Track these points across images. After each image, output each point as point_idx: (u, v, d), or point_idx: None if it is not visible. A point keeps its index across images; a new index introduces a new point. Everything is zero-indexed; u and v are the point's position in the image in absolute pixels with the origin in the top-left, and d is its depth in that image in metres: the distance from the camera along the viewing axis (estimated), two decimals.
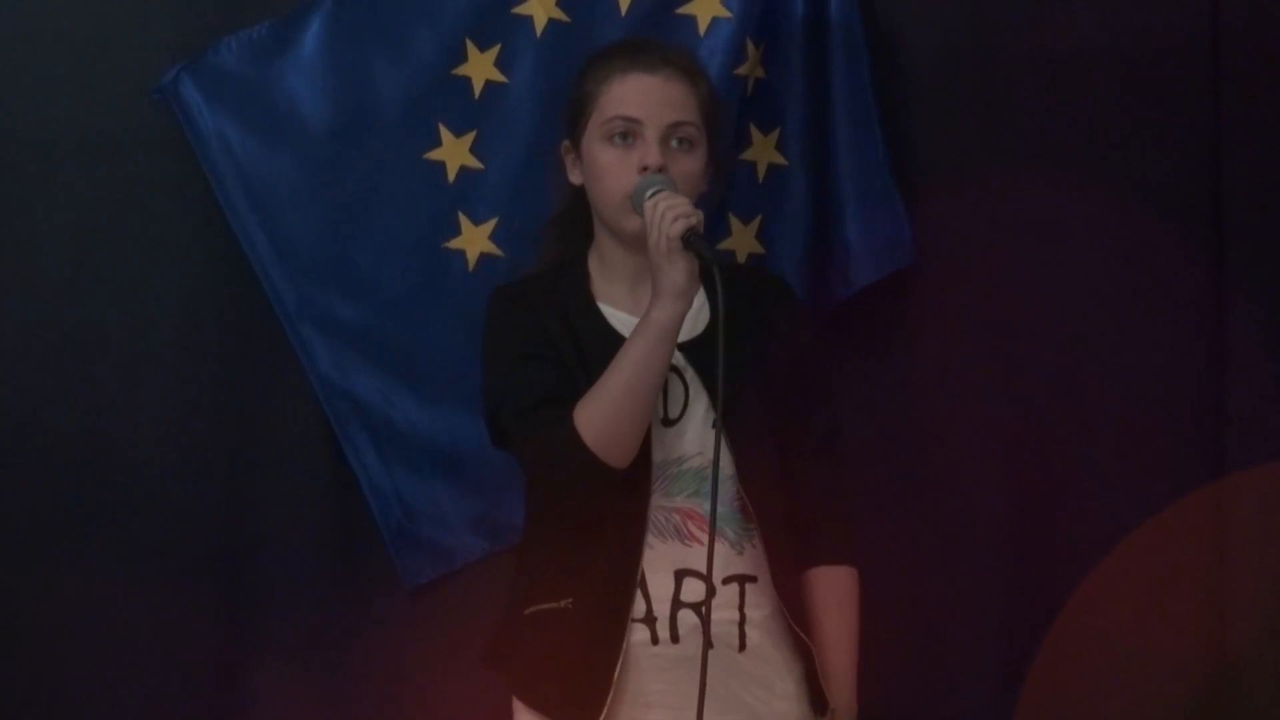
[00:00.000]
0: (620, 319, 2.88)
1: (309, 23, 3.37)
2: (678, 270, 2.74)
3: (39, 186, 3.38)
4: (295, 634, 3.41)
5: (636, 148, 2.85)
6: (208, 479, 3.41)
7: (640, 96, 2.86)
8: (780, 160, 3.43)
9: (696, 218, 2.74)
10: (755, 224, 3.44)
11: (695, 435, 2.84)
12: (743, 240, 3.43)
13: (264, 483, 3.42)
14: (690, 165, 2.87)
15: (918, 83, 3.49)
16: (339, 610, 3.41)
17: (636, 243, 2.83)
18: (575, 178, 2.94)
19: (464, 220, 3.38)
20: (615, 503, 2.81)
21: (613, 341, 2.84)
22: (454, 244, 3.38)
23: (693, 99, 2.88)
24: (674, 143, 2.86)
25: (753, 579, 2.87)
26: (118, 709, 3.40)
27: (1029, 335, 3.51)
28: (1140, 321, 3.52)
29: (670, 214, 2.73)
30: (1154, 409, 3.52)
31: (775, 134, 3.43)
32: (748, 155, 3.43)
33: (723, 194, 3.03)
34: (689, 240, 2.73)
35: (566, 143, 2.96)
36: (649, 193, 2.78)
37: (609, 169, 2.86)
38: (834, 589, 2.95)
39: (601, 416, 2.76)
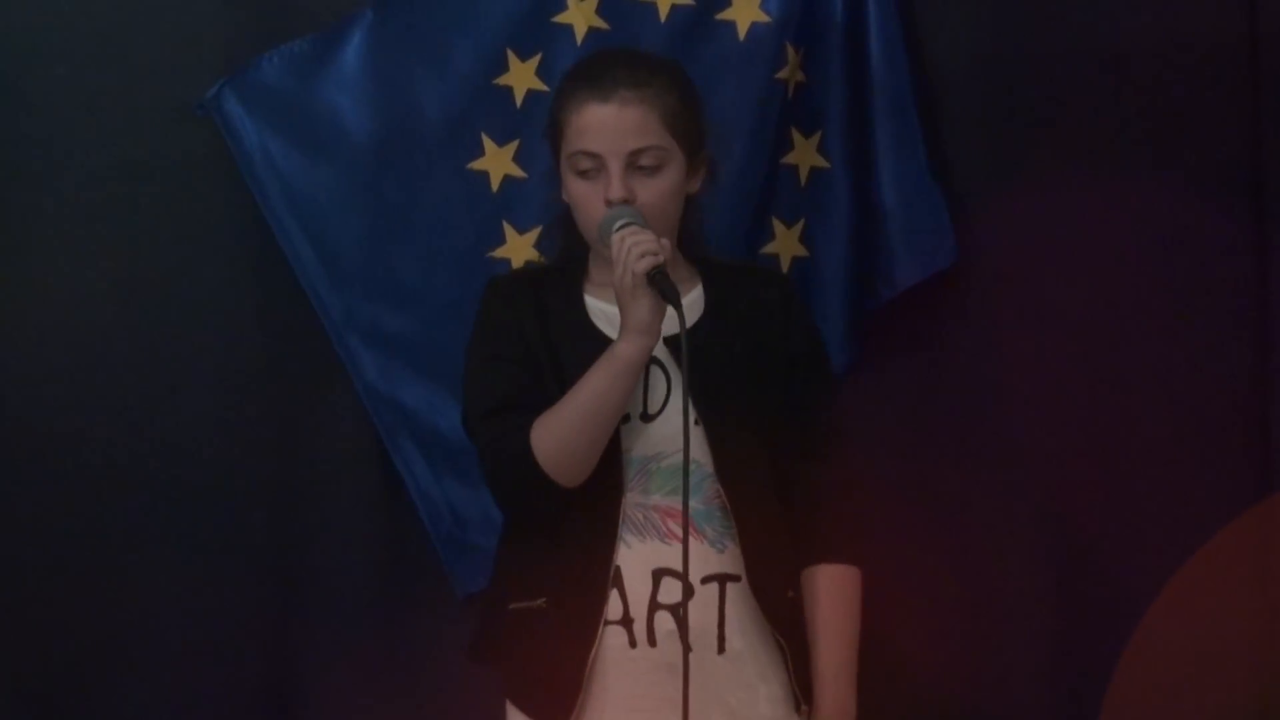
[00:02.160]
0: (607, 312, 2.87)
1: (350, 36, 3.38)
2: (642, 307, 2.74)
3: (85, 202, 3.40)
4: (347, 643, 3.42)
5: (602, 179, 2.84)
6: (257, 490, 3.43)
7: (597, 129, 2.84)
8: (822, 163, 3.44)
9: (664, 254, 2.74)
10: (799, 227, 3.44)
11: (674, 431, 2.80)
12: (786, 243, 3.44)
13: (313, 493, 3.43)
14: (659, 187, 2.85)
15: (957, 82, 3.49)
16: (391, 619, 3.42)
17: None
18: (565, 196, 2.94)
19: (508, 229, 3.39)
20: (588, 500, 2.80)
21: (590, 338, 2.85)
22: (499, 253, 3.40)
23: (653, 117, 2.84)
24: (639, 167, 2.85)
25: (735, 578, 2.85)
26: (169, 714, 3.41)
27: (1070, 334, 3.51)
28: (1181, 321, 3.52)
29: (635, 250, 2.73)
30: (1196, 409, 3.52)
31: (816, 137, 3.43)
32: (790, 159, 3.43)
33: (715, 188, 3.01)
34: (652, 277, 2.73)
35: (554, 161, 2.96)
36: (615, 227, 2.78)
37: (579, 202, 2.88)
38: (833, 589, 2.90)
39: (556, 438, 2.76)
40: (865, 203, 3.44)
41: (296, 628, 3.43)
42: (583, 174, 2.85)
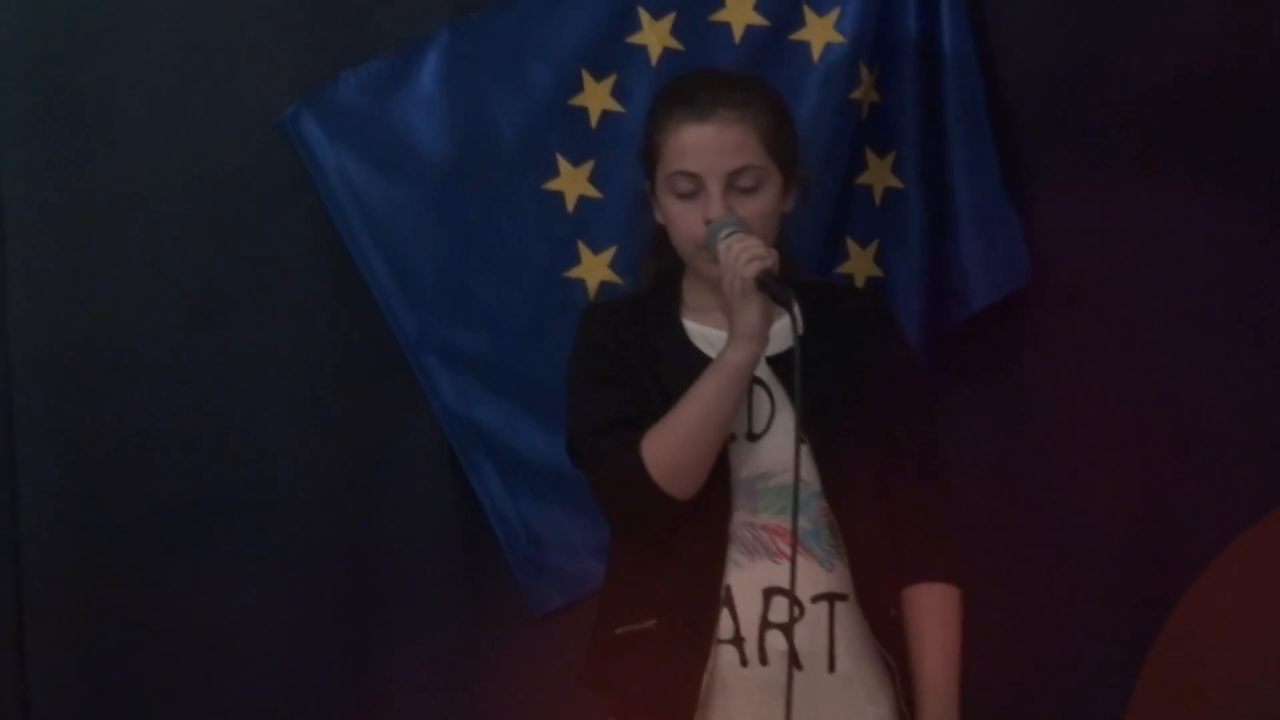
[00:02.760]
0: (707, 335, 2.89)
1: (426, 57, 3.40)
2: (751, 312, 2.74)
3: (165, 221, 3.42)
4: (423, 662, 3.43)
5: (701, 200, 2.85)
6: (334, 509, 3.45)
7: (696, 149, 2.85)
8: (896, 183, 3.44)
9: (770, 259, 2.75)
10: (873, 248, 3.45)
11: (780, 450, 2.82)
12: (861, 264, 3.44)
13: (390, 512, 3.45)
14: (758, 206, 2.86)
15: (1032, 102, 3.48)
16: (467, 638, 3.43)
17: (719, 285, 2.82)
18: (658, 217, 2.95)
19: (584, 249, 3.41)
20: (697, 520, 2.81)
21: (693, 359, 2.85)
22: (574, 273, 3.41)
23: (751, 137, 2.86)
24: (739, 186, 2.86)
25: (843, 597, 2.85)
26: None
27: (1145, 352, 3.50)
28: (1258, 337, 3.50)
29: (744, 256, 2.74)
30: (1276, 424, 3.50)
31: (890, 157, 3.44)
32: (864, 179, 3.44)
33: (806, 208, 3.02)
34: (763, 281, 2.73)
35: (647, 183, 2.96)
36: (722, 235, 2.79)
37: (677, 222, 2.88)
38: (934, 607, 2.91)
39: (668, 451, 2.77)
40: (940, 223, 3.44)
41: (373, 646, 3.44)
42: (681, 195, 2.86)
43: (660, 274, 2.99)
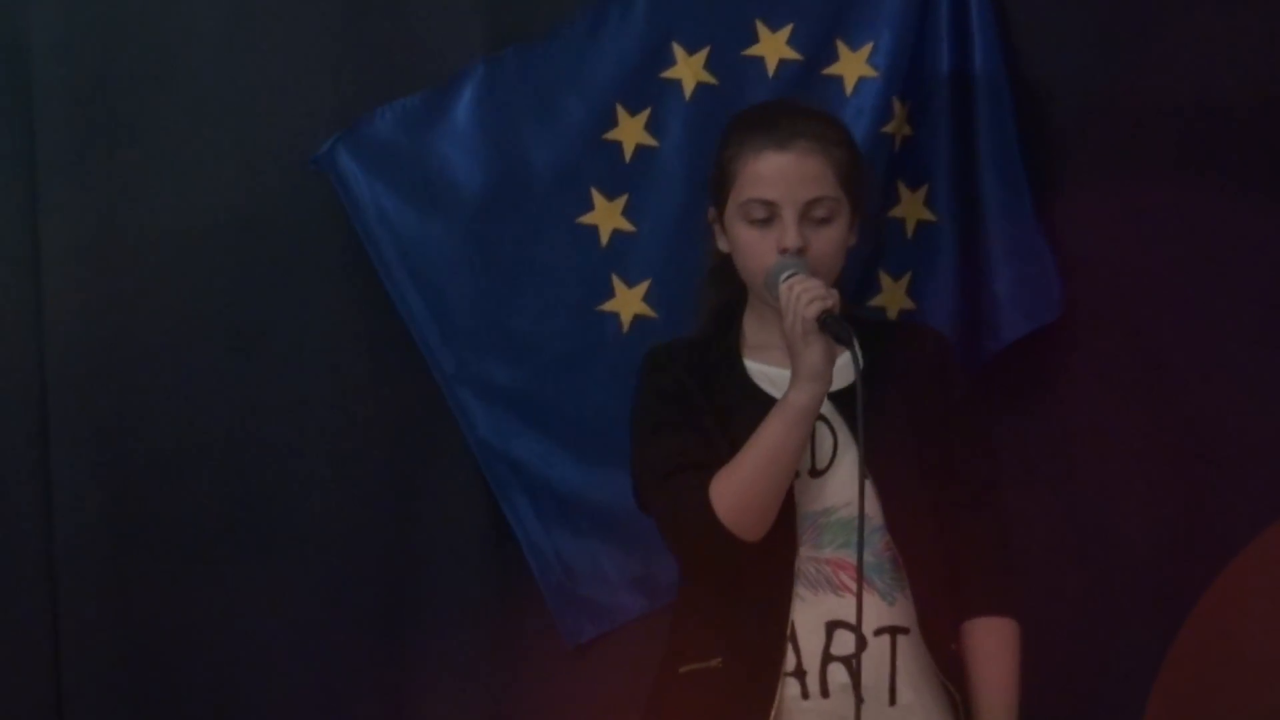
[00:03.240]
0: (769, 375, 2.90)
1: (461, 91, 3.42)
2: (814, 353, 2.75)
3: (202, 254, 3.45)
4: (458, 692, 3.45)
5: (775, 228, 2.86)
6: (368, 541, 3.47)
7: (775, 177, 2.86)
8: (929, 216, 3.45)
9: (831, 300, 2.75)
10: (905, 280, 3.45)
11: (844, 485, 2.84)
12: (893, 296, 3.45)
13: (424, 544, 3.47)
14: (831, 236, 2.88)
15: (1064, 134, 3.48)
16: (501, 669, 3.46)
17: (780, 318, 2.83)
18: (723, 245, 2.96)
19: (617, 282, 3.42)
20: (763, 557, 2.82)
21: (756, 401, 2.86)
22: (608, 306, 3.43)
23: (829, 169, 2.87)
24: (813, 217, 2.87)
25: (905, 630, 2.87)
26: None
27: (1180, 385, 3.49)
28: None
29: (805, 297, 2.75)
30: None
31: (923, 190, 3.44)
32: (896, 212, 3.44)
33: (875, 246, 3.03)
34: (824, 322, 2.74)
35: (713, 211, 2.98)
36: (783, 277, 2.80)
37: (749, 249, 2.89)
38: (992, 641, 2.93)
39: (735, 493, 2.78)
40: (972, 255, 3.44)
41: (408, 676, 3.47)
42: (754, 222, 2.87)
43: (719, 309, 3.01)
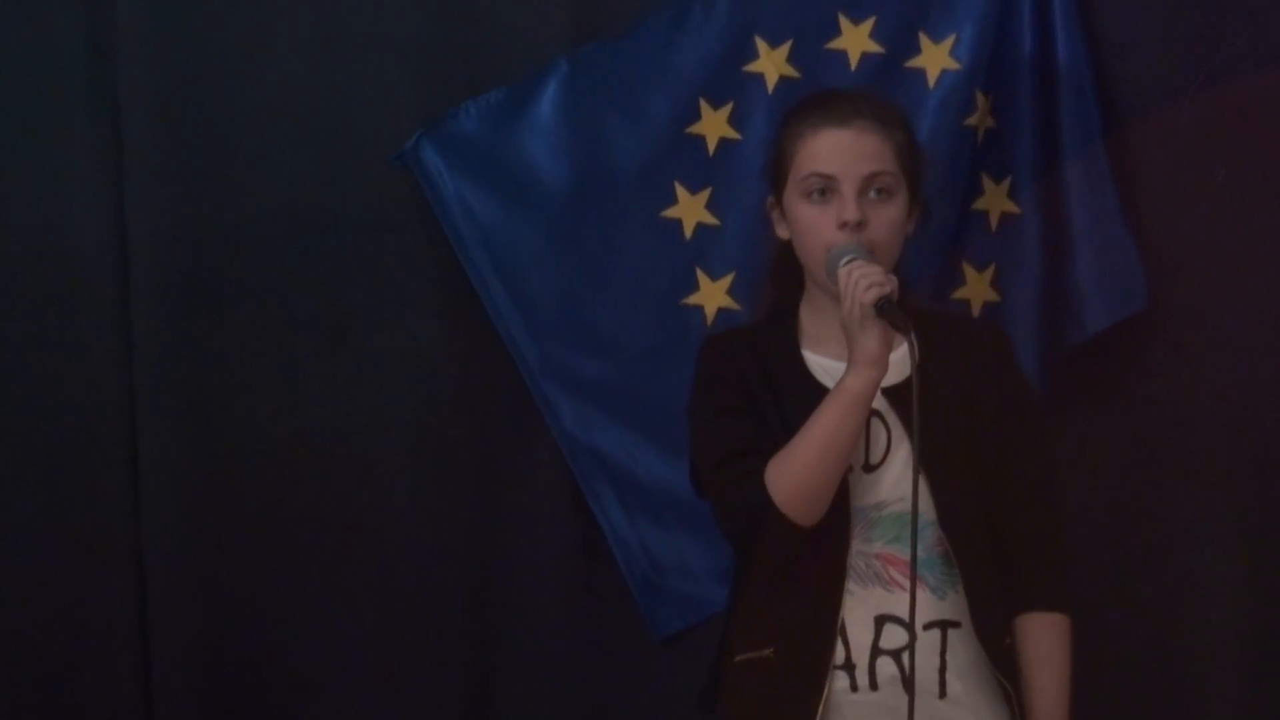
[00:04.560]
0: (825, 366, 2.89)
1: (545, 86, 3.44)
2: (871, 338, 2.75)
3: (289, 251, 3.48)
4: (544, 686, 3.48)
5: (834, 203, 2.85)
6: (456, 533, 3.49)
7: (834, 152, 2.87)
8: (1013, 208, 3.45)
9: (890, 286, 2.75)
10: (989, 272, 3.46)
11: (896, 480, 2.84)
12: (977, 289, 3.45)
13: (510, 537, 3.49)
14: (890, 214, 2.87)
15: (1148, 125, 3.47)
16: (588, 662, 3.47)
17: (837, 308, 2.83)
18: (782, 232, 2.95)
19: (701, 276, 3.43)
20: (815, 550, 2.82)
21: (813, 391, 2.85)
22: (692, 300, 3.44)
23: (888, 147, 2.88)
24: (872, 193, 2.86)
25: (955, 624, 2.86)
26: None
27: (1265, 376, 3.49)
28: None
29: (864, 282, 2.74)
30: None
31: (1006, 182, 3.45)
32: (980, 204, 3.45)
33: (925, 233, 3.04)
34: (881, 308, 2.74)
35: (771, 199, 2.97)
36: (842, 261, 2.80)
37: (810, 226, 2.88)
38: (1044, 636, 2.90)
39: (791, 477, 2.78)
40: (1056, 247, 3.44)
41: (494, 669, 3.49)
42: (812, 197, 2.87)
43: (777, 302, 3.01)
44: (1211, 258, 3.49)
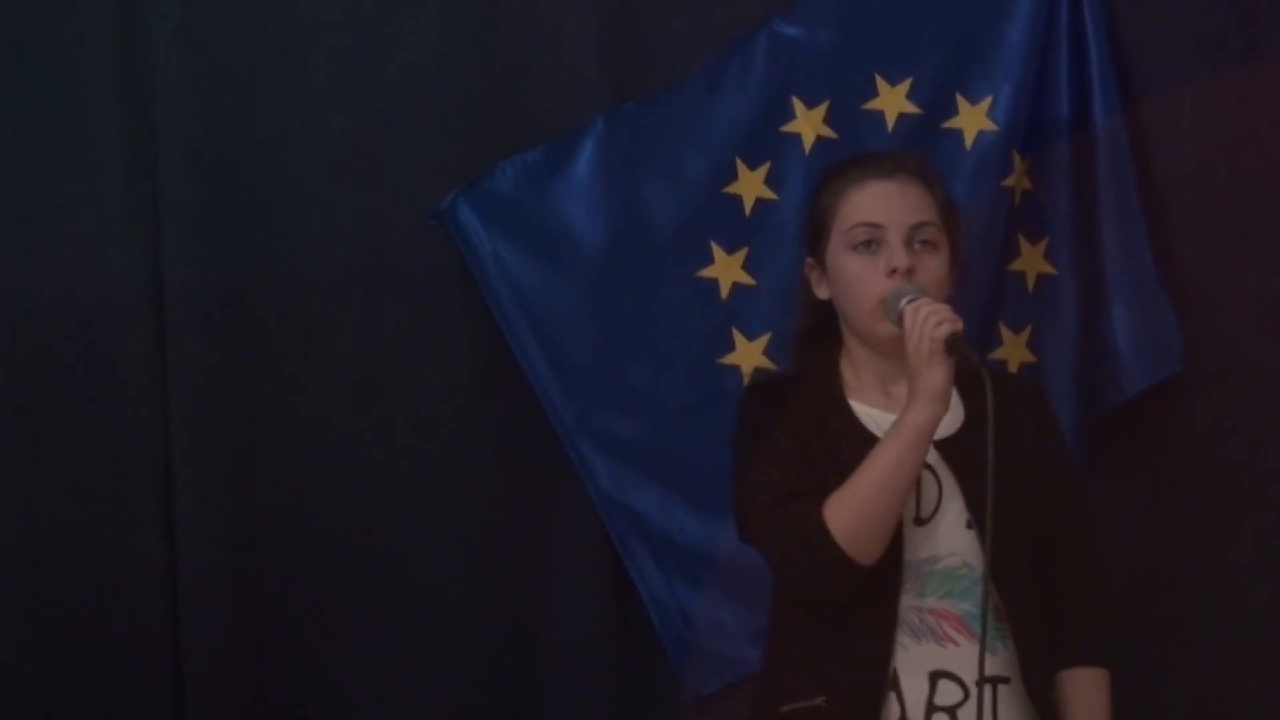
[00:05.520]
0: (873, 416, 2.89)
1: (581, 146, 3.44)
2: (938, 373, 2.75)
3: (328, 308, 3.48)
4: None
5: (882, 253, 2.86)
6: (491, 593, 3.48)
7: (880, 202, 2.88)
8: (1049, 269, 3.45)
9: (959, 322, 2.76)
10: (1026, 333, 3.46)
11: (948, 534, 2.83)
12: (1014, 349, 3.45)
13: (546, 595, 3.48)
14: (935, 265, 2.88)
15: (1184, 186, 3.48)
16: None
17: (889, 348, 2.84)
18: (822, 292, 2.95)
19: (738, 336, 3.43)
20: (865, 601, 2.81)
21: (863, 438, 2.85)
22: (728, 360, 3.43)
23: (930, 200, 2.89)
24: (917, 244, 2.87)
25: (1005, 680, 2.85)
26: None
27: None
28: None
29: (934, 318, 2.75)
30: None
31: (1043, 243, 3.45)
32: (1016, 265, 3.45)
33: (963, 294, 3.04)
34: (953, 344, 2.75)
35: (810, 260, 2.97)
36: (905, 300, 2.80)
37: (858, 277, 2.88)
38: (1086, 691, 2.91)
39: (852, 514, 2.77)
40: (1093, 308, 3.45)
41: None
42: (859, 249, 2.87)
43: (814, 352, 3.00)
44: (1249, 316, 3.48)
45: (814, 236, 2.95)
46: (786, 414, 2.90)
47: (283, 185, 3.48)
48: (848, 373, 2.95)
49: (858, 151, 3.07)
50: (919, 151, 3.07)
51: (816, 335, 2.99)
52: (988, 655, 2.83)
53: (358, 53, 3.48)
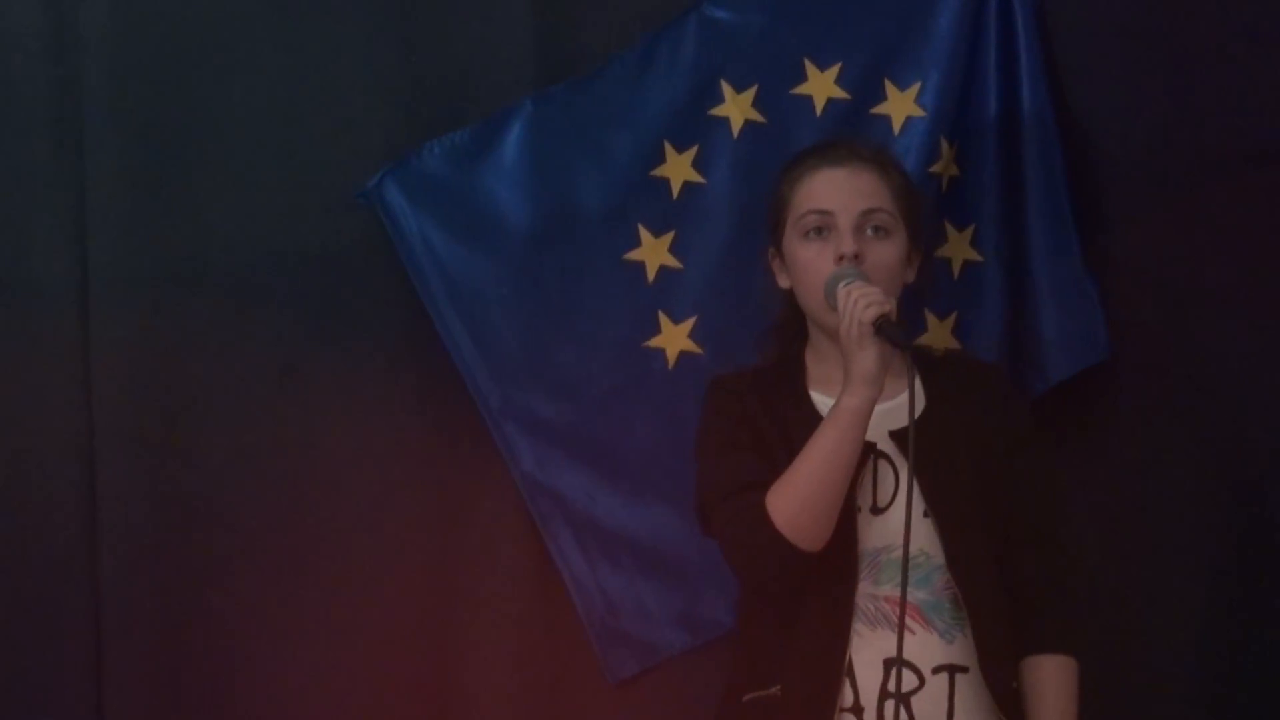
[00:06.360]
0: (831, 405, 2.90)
1: (510, 127, 3.43)
2: (868, 357, 2.77)
3: (250, 287, 3.47)
4: None
5: (831, 240, 2.88)
6: (412, 574, 3.46)
7: (830, 189, 2.91)
8: (975, 256, 3.45)
9: (889, 305, 2.77)
10: (951, 320, 3.45)
11: (904, 524, 2.82)
12: (939, 336, 3.45)
13: (469, 579, 3.46)
14: (887, 252, 2.90)
15: (1111, 174, 3.48)
16: (543, 706, 3.44)
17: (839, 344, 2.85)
18: (783, 281, 2.98)
19: (664, 319, 3.43)
20: (822, 590, 2.83)
21: None
22: (654, 342, 3.43)
23: (884, 187, 2.92)
24: (869, 231, 2.89)
25: (964, 669, 2.86)
26: None
27: (1228, 426, 3.49)
28: None
29: (862, 301, 2.76)
30: None
31: (970, 230, 3.45)
32: (942, 252, 3.45)
33: (928, 286, 3.05)
34: (880, 326, 2.75)
35: (771, 249, 2.99)
36: (841, 283, 2.81)
37: (808, 264, 2.91)
38: (1050, 679, 2.93)
39: (792, 501, 2.79)
40: (1018, 296, 3.45)
41: (450, 711, 3.46)
42: (810, 235, 2.89)
43: (782, 351, 3.03)
44: (1176, 303, 3.48)
45: (773, 226, 2.98)
46: (745, 406, 2.92)
47: (208, 163, 3.47)
48: (811, 363, 2.97)
49: (815, 143, 3.09)
50: (878, 143, 3.08)
51: (785, 326, 3.02)
52: (945, 644, 2.86)
53: (286, 30, 3.46)
